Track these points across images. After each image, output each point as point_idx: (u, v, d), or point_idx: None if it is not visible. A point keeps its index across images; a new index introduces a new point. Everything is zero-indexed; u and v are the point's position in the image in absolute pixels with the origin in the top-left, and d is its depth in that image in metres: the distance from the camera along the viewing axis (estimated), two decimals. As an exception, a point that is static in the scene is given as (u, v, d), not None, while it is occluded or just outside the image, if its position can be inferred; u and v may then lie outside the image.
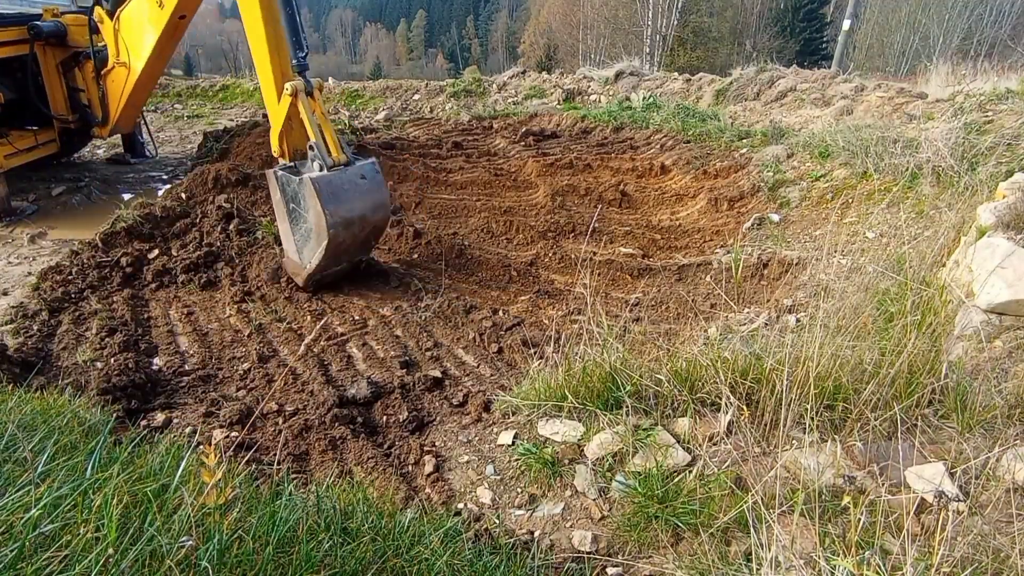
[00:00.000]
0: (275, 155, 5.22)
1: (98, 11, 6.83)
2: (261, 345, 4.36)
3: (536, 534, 2.41)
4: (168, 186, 7.66)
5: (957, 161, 5.41)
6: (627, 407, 2.66)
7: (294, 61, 4.70)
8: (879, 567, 1.64)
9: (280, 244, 5.50)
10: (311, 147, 4.82)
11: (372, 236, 5.31)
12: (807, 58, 31.61)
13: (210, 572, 1.52)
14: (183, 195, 6.38)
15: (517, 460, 2.78)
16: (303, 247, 5.07)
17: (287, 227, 5.14)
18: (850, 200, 6.04)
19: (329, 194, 4.74)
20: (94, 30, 7.05)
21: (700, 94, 11.47)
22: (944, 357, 2.79)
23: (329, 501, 2.10)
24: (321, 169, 4.82)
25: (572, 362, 2.93)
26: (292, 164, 5.08)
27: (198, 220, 6.02)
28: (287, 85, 4.68)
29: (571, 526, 2.42)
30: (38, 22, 6.94)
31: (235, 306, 4.95)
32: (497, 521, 2.50)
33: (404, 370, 4.05)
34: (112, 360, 4.00)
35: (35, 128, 7.31)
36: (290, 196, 4.98)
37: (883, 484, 2.17)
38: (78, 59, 7.31)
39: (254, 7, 4.55)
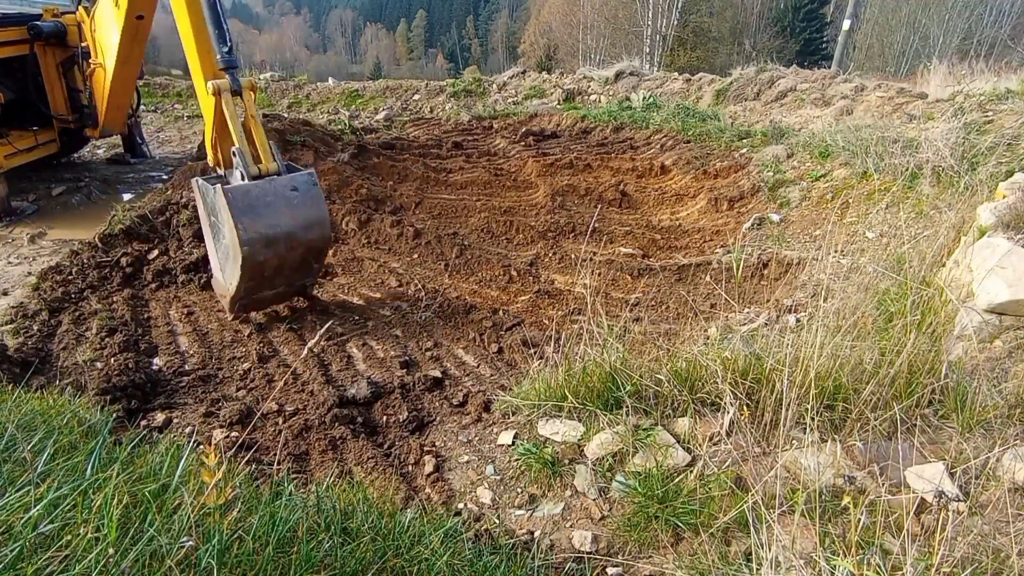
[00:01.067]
0: (211, 164, 4.68)
1: (80, 12, 6.85)
2: (261, 345, 4.36)
3: (536, 534, 2.41)
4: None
5: (957, 161, 5.40)
6: (627, 407, 2.66)
7: (218, 57, 4.19)
8: (879, 567, 1.65)
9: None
10: (234, 153, 4.28)
11: (310, 257, 4.60)
12: (807, 58, 31.62)
13: (211, 572, 1.52)
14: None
15: (517, 460, 2.77)
16: (225, 265, 4.47)
17: (211, 243, 4.60)
18: (850, 200, 6.04)
19: (244, 206, 4.15)
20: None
21: (700, 94, 11.47)
22: (944, 357, 2.79)
23: (329, 501, 2.10)
24: (242, 178, 4.26)
25: (572, 362, 2.93)
26: (222, 174, 4.52)
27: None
28: (209, 84, 4.16)
29: (571, 526, 2.42)
30: (38, 22, 6.94)
31: (235, 306, 4.94)
32: (497, 521, 2.50)
33: (404, 370, 4.05)
34: (112, 360, 4.00)
35: (35, 128, 7.31)
36: (209, 208, 4.44)
37: (883, 484, 2.17)
38: (77, 59, 7.32)
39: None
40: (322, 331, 3.09)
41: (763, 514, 1.87)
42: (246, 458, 2.76)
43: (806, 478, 2.23)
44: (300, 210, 4.36)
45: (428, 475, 2.95)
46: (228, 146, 4.34)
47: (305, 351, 4.06)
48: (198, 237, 5.74)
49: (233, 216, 4.09)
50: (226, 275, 4.48)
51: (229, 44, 4.22)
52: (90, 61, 6.99)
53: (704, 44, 35.76)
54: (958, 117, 6.24)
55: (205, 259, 5.54)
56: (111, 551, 1.45)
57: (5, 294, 5.01)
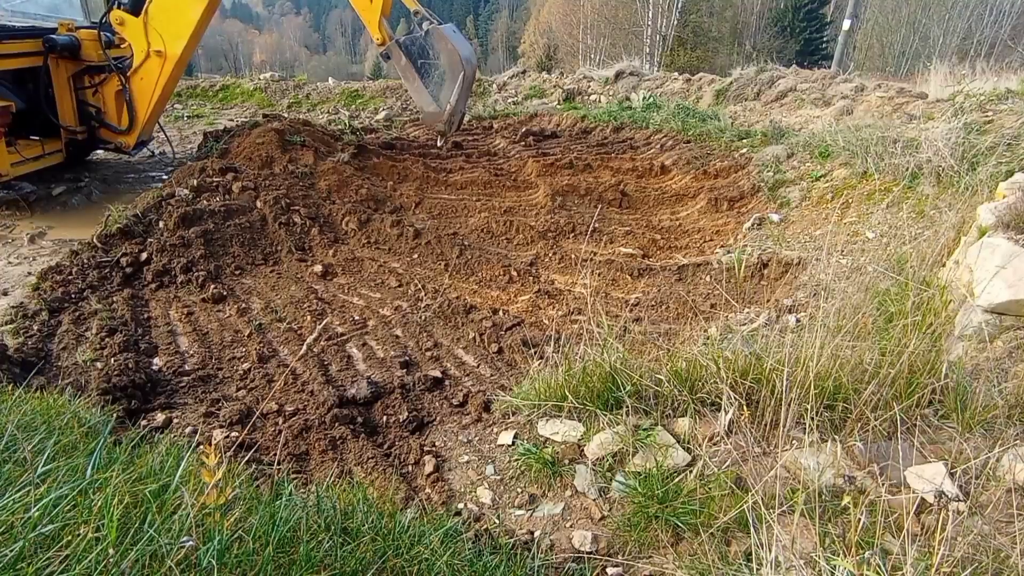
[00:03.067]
0: (377, 42, 6.51)
1: (117, 13, 6.95)
2: (261, 345, 4.36)
3: (536, 534, 2.41)
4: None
5: (957, 161, 5.40)
6: (627, 407, 2.66)
7: None
8: (879, 567, 1.64)
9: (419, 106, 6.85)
10: (415, 13, 6.28)
11: (474, 80, 6.72)
12: (807, 58, 31.58)
13: (211, 572, 1.52)
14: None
15: (517, 460, 2.77)
16: (439, 93, 6.31)
17: (419, 83, 6.37)
18: (850, 200, 6.03)
19: (452, 32, 6.10)
20: (108, 43, 7.21)
21: (700, 94, 11.47)
22: (944, 357, 2.79)
23: (329, 501, 2.10)
24: (424, 29, 6.20)
25: (572, 362, 2.93)
26: (394, 43, 6.35)
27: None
28: None
29: (571, 526, 2.42)
30: (53, 35, 7.01)
31: (235, 306, 4.95)
32: (497, 521, 2.50)
33: (404, 370, 4.05)
34: (112, 360, 3.99)
35: (42, 138, 7.34)
36: (417, 53, 6.26)
37: (883, 484, 2.17)
38: (91, 74, 7.42)
39: None
40: (320, 327, 3.11)
41: (763, 514, 1.87)
42: (246, 458, 2.77)
43: (806, 478, 2.23)
44: (466, 42, 6.41)
45: (428, 475, 2.95)
46: (385, 27, 6.37)
47: (304, 348, 4.06)
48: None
49: (453, 43, 6.07)
50: (442, 99, 6.35)
51: None
52: (134, 61, 7.14)
53: (704, 44, 35.74)
54: (958, 117, 6.24)
55: (201, 257, 5.54)
56: (111, 551, 1.45)
57: (5, 294, 5.01)
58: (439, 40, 6.09)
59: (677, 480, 2.34)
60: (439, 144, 7.44)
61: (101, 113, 7.57)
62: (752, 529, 1.88)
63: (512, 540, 2.33)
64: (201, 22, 6.94)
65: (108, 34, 7.26)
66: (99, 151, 8.85)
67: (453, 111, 6.30)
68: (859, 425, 2.42)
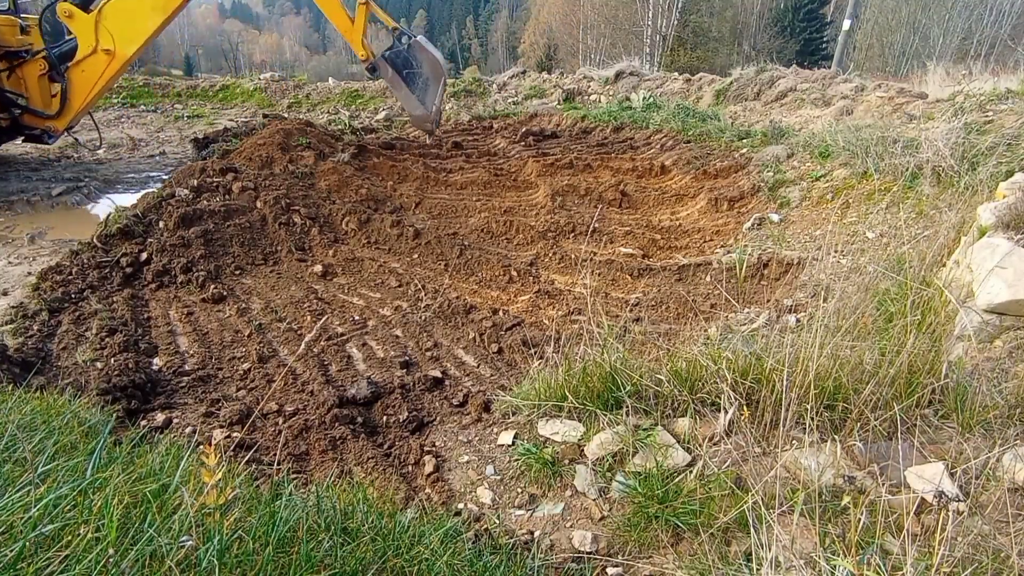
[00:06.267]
0: (362, 58, 7.27)
1: (64, 6, 7.02)
2: (261, 345, 4.36)
3: (536, 534, 2.41)
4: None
5: (957, 161, 5.40)
6: (627, 407, 2.65)
7: None
8: (879, 567, 1.64)
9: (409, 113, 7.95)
10: (393, 29, 7.25)
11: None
12: (807, 58, 31.57)
13: (211, 572, 1.52)
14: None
15: (517, 460, 2.77)
16: (424, 96, 7.26)
17: (406, 91, 7.22)
18: (850, 200, 6.04)
19: (427, 42, 7.08)
20: (49, 31, 7.35)
21: (700, 94, 11.47)
22: (944, 357, 2.79)
23: (329, 501, 2.10)
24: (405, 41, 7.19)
25: (572, 362, 2.93)
26: (379, 57, 7.18)
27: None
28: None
29: (571, 526, 2.42)
30: None
31: (235, 306, 4.94)
32: (497, 521, 2.50)
33: (404, 370, 4.05)
34: (112, 360, 3.99)
35: None
36: (402, 64, 7.09)
37: (883, 484, 2.17)
38: (7, 59, 7.39)
39: None
40: (318, 325, 3.11)
41: (763, 514, 1.87)
42: (246, 458, 2.77)
43: (806, 478, 2.23)
44: (437, 49, 7.41)
45: (428, 475, 2.95)
46: (367, 44, 7.26)
47: (302, 347, 4.06)
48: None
49: (433, 51, 7.07)
50: (427, 101, 7.32)
51: None
52: (77, 53, 7.20)
53: (704, 44, 35.73)
54: (958, 117, 6.24)
55: (201, 257, 5.54)
56: (111, 551, 1.45)
57: (5, 294, 5.01)
58: (421, 51, 7.02)
59: (677, 480, 2.34)
60: (429, 141, 8.51)
61: (23, 99, 7.57)
62: (752, 529, 1.87)
63: (512, 540, 2.33)
64: (157, 31, 7.15)
65: (22, 20, 7.37)
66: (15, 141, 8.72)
67: (438, 109, 7.34)
68: (859, 425, 2.42)
